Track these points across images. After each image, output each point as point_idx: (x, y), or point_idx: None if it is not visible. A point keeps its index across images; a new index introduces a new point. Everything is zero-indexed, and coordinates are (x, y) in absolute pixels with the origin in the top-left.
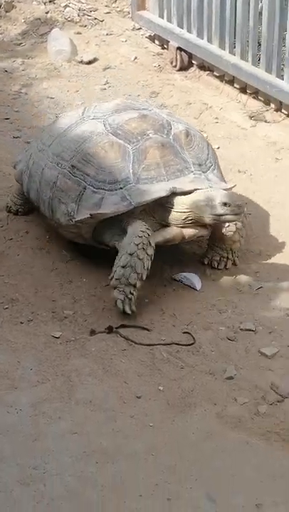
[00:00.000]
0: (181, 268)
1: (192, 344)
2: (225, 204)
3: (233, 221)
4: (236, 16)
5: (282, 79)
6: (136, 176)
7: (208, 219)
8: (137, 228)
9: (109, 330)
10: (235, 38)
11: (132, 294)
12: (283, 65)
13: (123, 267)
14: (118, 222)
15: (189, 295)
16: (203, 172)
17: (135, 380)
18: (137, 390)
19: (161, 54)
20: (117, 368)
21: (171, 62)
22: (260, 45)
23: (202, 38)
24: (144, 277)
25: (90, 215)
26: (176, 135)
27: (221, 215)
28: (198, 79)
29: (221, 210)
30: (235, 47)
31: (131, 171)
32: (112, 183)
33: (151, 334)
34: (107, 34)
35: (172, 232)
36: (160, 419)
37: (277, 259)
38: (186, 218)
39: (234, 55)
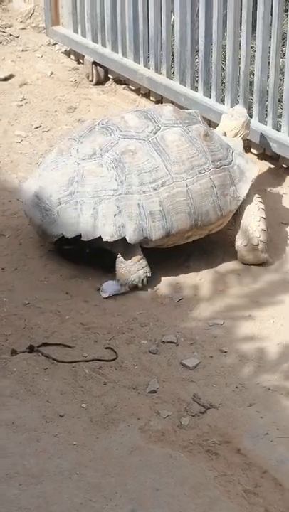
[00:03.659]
0: (101, 281)
1: (114, 359)
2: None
3: None
4: (149, 30)
5: (197, 91)
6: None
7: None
8: (253, 195)
9: (31, 349)
10: (149, 52)
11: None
12: (197, 77)
13: (264, 230)
14: None
15: (111, 309)
16: None
17: (58, 399)
18: (59, 409)
19: (77, 69)
20: (39, 387)
21: (88, 77)
22: (174, 57)
23: (117, 52)
24: None
25: (252, 180)
26: None
27: None
28: (114, 93)
29: None
30: (149, 60)
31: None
32: (227, 154)
33: (73, 351)
34: (22, 50)
35: None
36: (84, 437)
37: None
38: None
39: (149, 68)
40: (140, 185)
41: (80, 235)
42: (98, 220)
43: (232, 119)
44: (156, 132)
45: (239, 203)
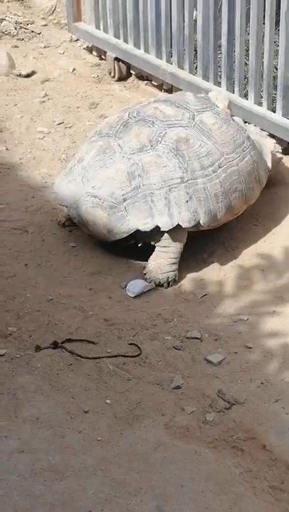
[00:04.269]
0: (125, 277)
1: (138, 355)
2: None
3: None
4: (172, 25)
5: (220, 86)
6: None
7: None
8: None
9: (55, 345)
10: (171, 47)
11: None
12: (220, 72)
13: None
14: None
15: (135, 305)
16: None
17: (82, 395)
18: (84, 405)
19: (100, 65)
20: (63, 383)
21: (110, 73)
22: (197, 53)
23: (139, 48)
24: None
25: (271, 151)
26: None
27: None
28: (136, 89)
29: None
30: (172, 56)
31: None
32: (247, 132)
33: (97, 347)
34: (44, 47)
35: None
36: (108, 433)
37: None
38: None
39: (171, 64)
40: (202, 169)
41: (157, 227)
42: (173, 208)
43: (217, 101)
44: (194, 118)
45: (268, 174)
